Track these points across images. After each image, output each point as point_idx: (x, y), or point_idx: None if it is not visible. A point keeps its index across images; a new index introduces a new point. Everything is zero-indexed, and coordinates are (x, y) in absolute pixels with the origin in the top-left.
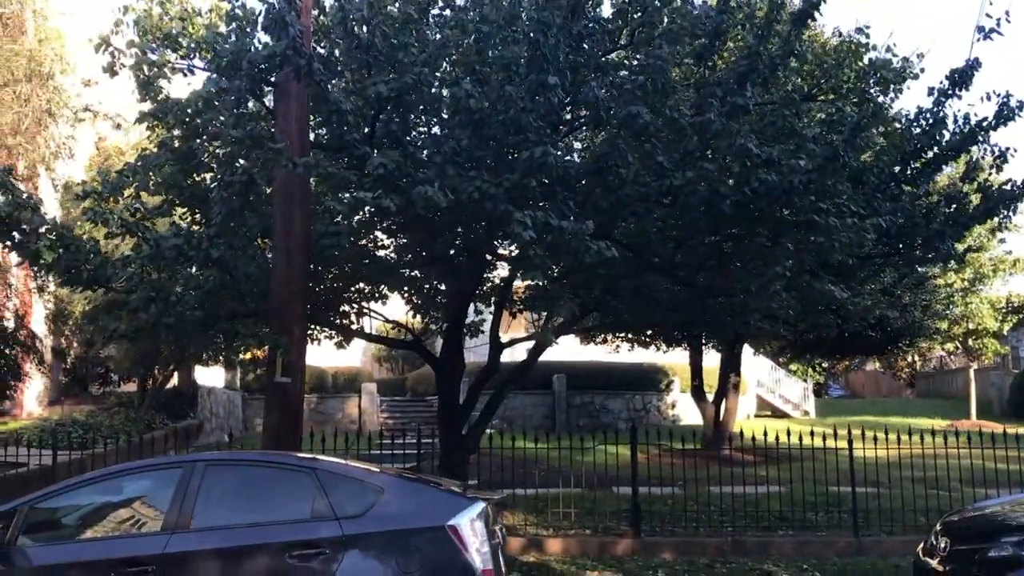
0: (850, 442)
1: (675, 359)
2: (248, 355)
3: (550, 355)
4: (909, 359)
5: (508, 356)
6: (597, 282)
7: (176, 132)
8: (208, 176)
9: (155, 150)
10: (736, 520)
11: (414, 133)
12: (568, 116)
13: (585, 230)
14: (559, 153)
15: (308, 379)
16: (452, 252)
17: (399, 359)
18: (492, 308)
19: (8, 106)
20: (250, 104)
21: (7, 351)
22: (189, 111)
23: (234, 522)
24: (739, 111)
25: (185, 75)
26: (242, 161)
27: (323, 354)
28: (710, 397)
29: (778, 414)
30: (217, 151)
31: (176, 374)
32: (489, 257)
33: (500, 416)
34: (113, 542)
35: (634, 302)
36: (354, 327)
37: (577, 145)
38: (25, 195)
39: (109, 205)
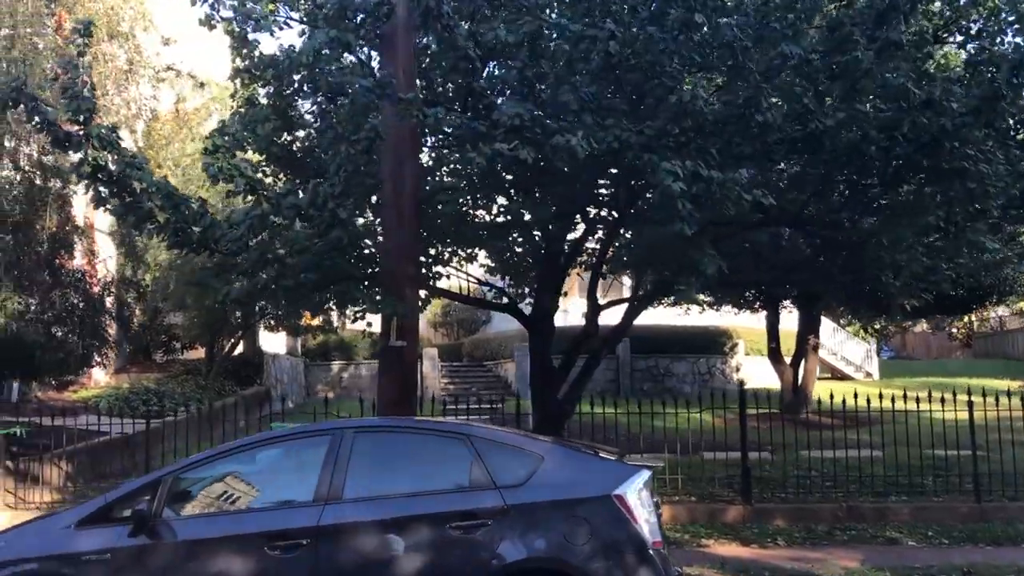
0: (970, 404)
1: (739, 322)
2: (313, 320)
3: (613, 319)
4: (966, 319)
5: (576, 321)
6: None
7: (267, 88)
8: (300, 134)
9: (246, 109)
10: (844, 486)
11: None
12: (699, 59)
13: (738, 179)
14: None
15: (369, 346)
16: (557, 209)
17: (455, 324)
18: (587, 269)
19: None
20: (348, 58)
21: (96, 319)
22: (291, 65)
23: (388, 492)
24: (891, 48)
25: (280, 28)
26: (342, 119)
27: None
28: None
29: (839, 376)
30: (323, 107)
31: (242, 341)
32: (596, 213)
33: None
34: (263, 515)
35: (752, 259)
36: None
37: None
38: (131, 154)
39: (223, 161)
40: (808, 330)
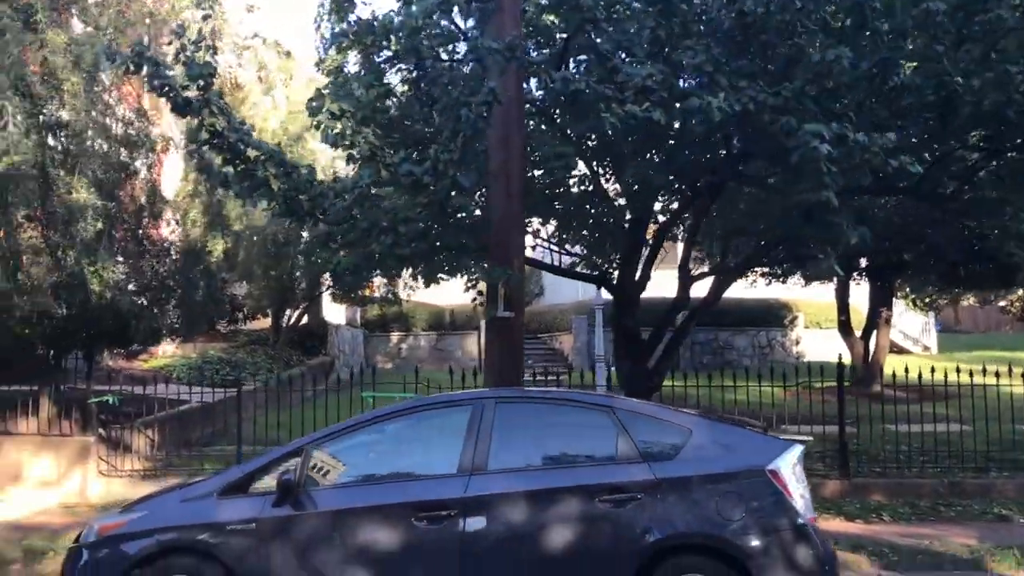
0: None
1: (798, 294)
2: (368, 291)
3: (671, 291)
4: (1021, 292)
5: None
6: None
7: (360, 55)
8: (391, 102)
9: (342, 77)
10: (939, 460)
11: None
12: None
13: (886, 143)
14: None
15: (427, 317)
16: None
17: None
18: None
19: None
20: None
21: (183, 289)
22: (395, 29)
23: (534, 463)
24: None
25: None
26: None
27: (438, 292)
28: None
29: (897, 350)
30: (426, 72)
31: (306, 312)
32: (702, 181)
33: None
34: (407, 485)
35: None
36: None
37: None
38: (239, 121)
39: (344, 127)
40: (880, 302)
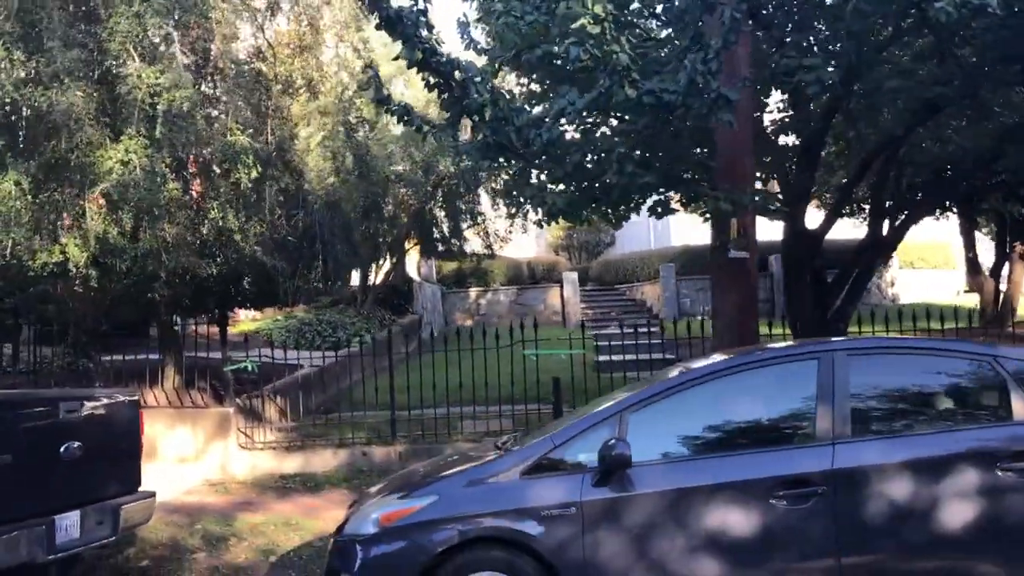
0: None
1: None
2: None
3: (768, 234)
4: None
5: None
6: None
7: None
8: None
9: None
10: None
11: None
12: None
13: None
14: None
15: (504, 271)
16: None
17: (577, 248)
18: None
19: None
20: None
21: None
22: None
23: (907, 427)
24: None
25: None
26: None
27: (514, 246)
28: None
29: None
30: None
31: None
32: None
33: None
34: (755, 458)
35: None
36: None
37: None
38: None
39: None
40: (1016, 237)
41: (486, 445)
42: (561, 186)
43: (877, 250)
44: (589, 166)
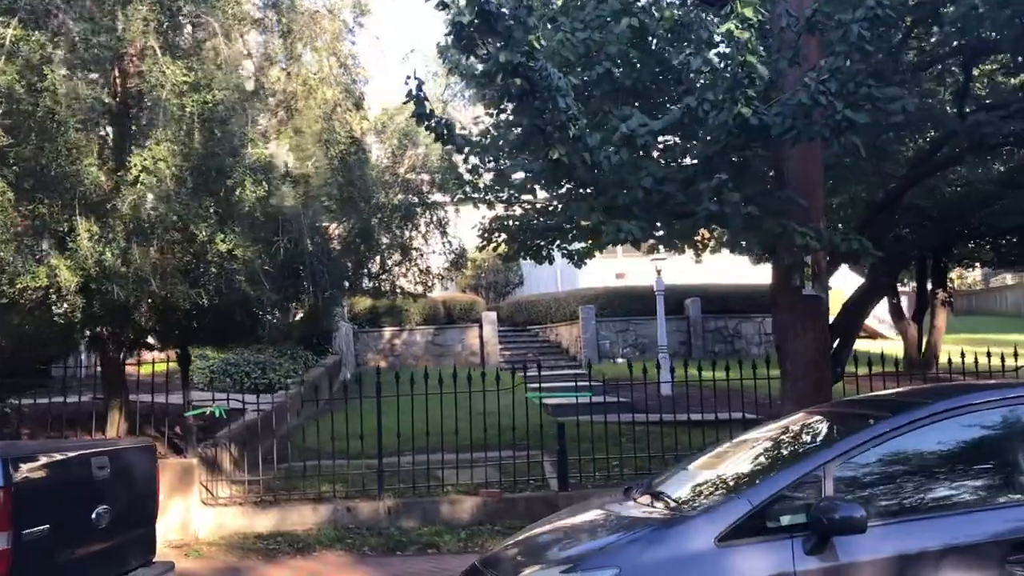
0: None
1: None
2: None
3: (680, 278)
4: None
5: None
6: None
7: None
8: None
9: None
10: None
11: None
12: None
13: None
14: None
15: (420, 310)
16: None
17: (486, 288)
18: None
19: None
20: None
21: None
22: None
23: None
24: None
25: None
26: None
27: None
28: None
29: (869, 333)
30: None
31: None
32: None
33: (631, 344)
34: (984, 516)
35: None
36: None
37: None
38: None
39: None
40: (936, 282)
41: (616, 496)
42: (629, 212)
43: (877, 294)
44: (667, 190)
